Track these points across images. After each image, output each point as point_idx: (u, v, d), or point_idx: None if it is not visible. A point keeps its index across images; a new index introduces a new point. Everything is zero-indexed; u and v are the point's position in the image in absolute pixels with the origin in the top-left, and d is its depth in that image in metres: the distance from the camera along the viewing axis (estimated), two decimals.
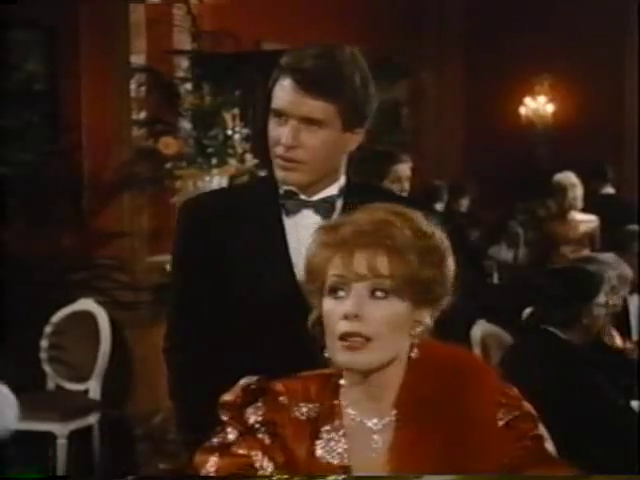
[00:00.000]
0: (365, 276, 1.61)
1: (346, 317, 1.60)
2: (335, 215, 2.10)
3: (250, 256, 2.11)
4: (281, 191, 2.12)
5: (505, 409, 1.66)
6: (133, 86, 5.27)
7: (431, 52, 8.24)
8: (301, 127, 2.02)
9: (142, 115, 5.33)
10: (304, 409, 1.69)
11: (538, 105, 9.79)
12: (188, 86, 5.34)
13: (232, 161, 5.23)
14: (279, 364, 1.83)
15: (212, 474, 1.63)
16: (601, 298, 3.29)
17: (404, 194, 4.73)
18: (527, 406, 1.70)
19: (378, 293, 1.61)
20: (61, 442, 4.81)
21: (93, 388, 5.17)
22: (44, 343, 5.20)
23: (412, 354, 1.67)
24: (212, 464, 1.64)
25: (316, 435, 1.67)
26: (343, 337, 1.61)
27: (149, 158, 5.23)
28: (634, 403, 3.38)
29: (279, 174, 2.09)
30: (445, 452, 1.60)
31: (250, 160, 5.29)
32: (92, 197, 5.33)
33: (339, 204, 2.12)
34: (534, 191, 7.64)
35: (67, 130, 5.20)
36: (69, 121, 5.28)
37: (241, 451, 1.65)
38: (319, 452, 1.66)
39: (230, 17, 5.73)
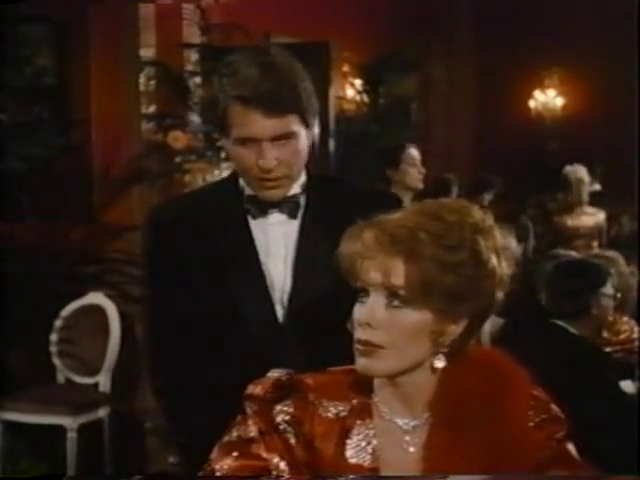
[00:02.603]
0: (381, 285, 1.58)
1: (359, 324, 1.60)
2: (300, 212, 2.14)
3: (219, 261, 2.12)
4: (245, 195, 2.14)
5: (534, 411, 1.65)
6: (142, 80, 5.26)
7: (441, 46, 8.22)
8: (274, 145, 2.03)
9: (151, 109, 5.32)
10: (334, 407, 1.66)
11: (548, 98, 9.77)
12: (197, 80, 5.34)
13: None
14: (253, 363, 1.90)
15: (227, 474, 1.61)
16: (608, 289, 3.31)
17: (421, 177, 4.79)
18: (555, 408, 1.69)
19: (394, 302, 1.58)
20: (71, 435, 4.82)
21: (103, 382, 5.18)
22: (54, 337, 5.22)
23: (439, 364, 1.62)
24: (228, 465, 1.62)
25: (346, 434, 1.64)
26: (358, 342, 1.60)
27: (158, 152, 5.23)
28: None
29: (262, 194, 2.11)
30: (478, 454, 1.59)
31: None
32: (102, 191, 5.32)
33: (303, 201, 2.15)
34: (544, 185, 7.62)
35: (77, 124, 5.20)
36: (79, 115, 5.27)
37: (260, 452, 1.62)
38: (349, 452, 1.64)
39: (239, 10, 5.72)
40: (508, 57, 9.15)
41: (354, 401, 1.67)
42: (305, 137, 2.10)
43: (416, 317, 1.57)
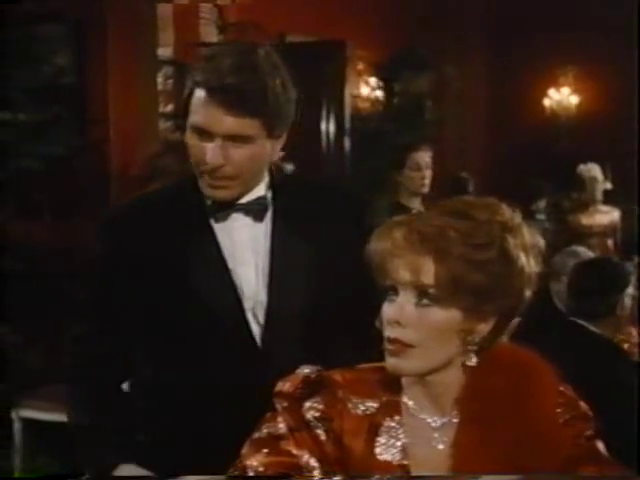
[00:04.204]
0: (410, 283, 1.59)
1: (388, 322, 1.61)
2: (268, 215, 2.06)
3: (182, 267, 2.02)
4: (208, 201, 2.04)
5: (563, 408, 1.66)
6: (160, 79, 5.29)
7: (454, 44, 8.23)
8: (227, 144, 1.93)
9: (169, 108, 5.35)
10: (363, 403, 1.67)
11: (562, 97, 9.75)
12: None
13: None
14: (224, 366, 1.95)
15: (258, 471, 1.62)
16: (631, 289, 3.32)
17: (426, 181, 4.80)
18: (584, 406, 1.69)
19: (424, 301, 1.58)
20: None
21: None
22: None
23: (469, 362, 1.63)
24: (259, 461, 1.62)
25: (375, 431, 1.65)
26: (387, 341, 1.61)
27: (176, 151, 5.23)
28: None
29: (207, 191, 2.01)
30: (507, 451, 1.59)
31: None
32: (119, 190, 5.34)
33: (269, 201, 2.07)
34: (558, 183, 7.62)
35: (94, 123, 5.22)
36: (96, 115, 5.30)
37: (290, 449, 1.63)
38: (378, 449, 1.65)
39: (255, 9, 5.75)
40: (522, 55, 9.15)
41: (383, 398, 1.67)
42: (264, 147, 1.97)
43: (445, 315, 1.58)
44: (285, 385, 1.68)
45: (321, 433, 1.64)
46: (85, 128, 5.29)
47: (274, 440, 1.64)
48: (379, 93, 7.48)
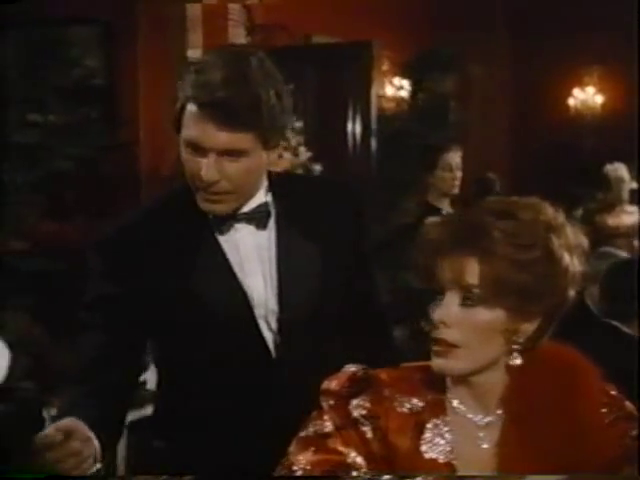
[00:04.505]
0: (454, 284, 1.60)
1: (434, 323, 1.62)
2: (271, 221, 2.02)
3: (192, 282, 1.96)
4: (209, 215, 1.98)
5: (608, 408, 1.66)
6: None
7: (480, 43, 8.22)
8: (221, 159, 1.87)
9: None
10: (408, 402, 1.68)
11: (587, 96, 9.70)
12: None
13: (286, 154, 5.26)
14: (239, 376, 1.93)
15: (305, 469, 1.63)
16: None
17: (457, 182, 4.81)
18: (629, 406, 1.69)
19: (469, 301, 1.60)
20: None
21: (150, 379, 5.22)
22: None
23: (513, 362, 1.64)
24: (306, 460, 1.64)
25: (420, 430, 1.66)
26: (433, 341, 1.63)
27: None
28: None
29: (204, 206, 1.95)
30: (552, 451, 1.60)
31: (304, 153, 5.32)
32: (149, 191, 5.38)
33: (271, 206, 2.03)
34: (583, 183, 7.59)
35: (125, 124, 5.26)
36: (127, 116, 5.33)
37: (337, 447, 1.64)
38: (423, 447, 1.65)
39: (282, 10, 5.77)
40: (547, 55, 9.12)
41: (428, 397, 1.68)
42: (261, 157, 1.93)
43: (490, 316, 1.59)
44: (332, 383, 1.69)
45: (368, 431, 1.65)
46: (115, 129, 5.32)
47: (321, 438, 1.65)
48: (405, 93, 7.49)
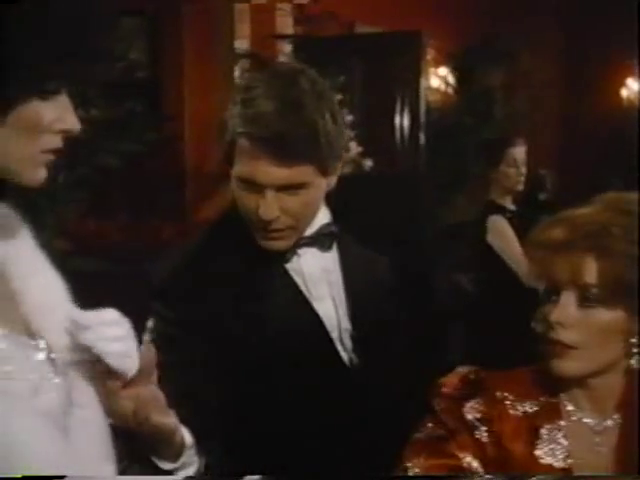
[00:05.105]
0: (571, 283, 1.62)
1: (550, 324, 1.64)
2: (335, 243, 1.97)
3: (264, 313, 1.92)
4: None
5: None
6: (237, 73, 5.32)
7: (530, 34, 8.19)
8: (280, 195, 1.82)
9: None
10: (522, 405, 1.70)
11: None
12: None
13: None
14: (321, 400, 1.89)
15: (419, 472, 1.66)
16: None
17: (521, 179, 4.81)
18: None
19: (587, 301, 1.61)
20: None
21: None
22: (147, 337, 5.28)
23: (633, 365, 1.65)
24: (421, 464, 1.66)
25: (535, 434, 1.68)
26: (549, 343, 1.65)
27: None
28: None
29: (264, 244, 1.91)
30: None
31: (355, 148, 5.33)
32: (195, 188, 5.39)
33: (333, 226, 1.98)
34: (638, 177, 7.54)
35: (170, 119, 5.25)
36: (172, 110, 5.34)
37: (452, 451, 1.66)
38: (538, 452, 1.67)
39: (329, 0, 5.78)
40: (599, 45, 9.08)
41: (541, 399, 1.70)
42: (320, 186, 1.88)
43: (609, 316, 1.61)
44: (444, 386, 1.72)
45: (483, 435, 1.68)
46: (160, 124, 5.31)
47: (435, 442, 1.68)
48: (454, 85, 7.47)
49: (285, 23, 5.48)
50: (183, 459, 1.50)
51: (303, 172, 1.82)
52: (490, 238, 4.67)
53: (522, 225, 4.69)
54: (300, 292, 1.95)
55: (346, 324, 1.98)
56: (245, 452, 1.82)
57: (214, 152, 5.33)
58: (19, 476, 1.05)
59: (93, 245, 5.10)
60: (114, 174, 5.10)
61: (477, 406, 1.70)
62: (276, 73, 1.91)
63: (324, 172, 1.87)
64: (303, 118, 1.79)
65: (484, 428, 1.68)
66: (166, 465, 1.47)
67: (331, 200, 1.98)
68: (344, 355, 1.98)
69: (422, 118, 6.54)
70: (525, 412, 1.70)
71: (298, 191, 1.84)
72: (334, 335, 1.97)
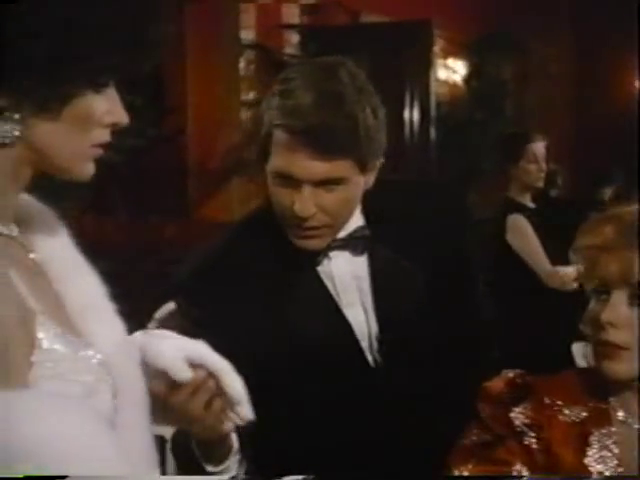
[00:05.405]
0: (622, 282, 1.60)
1: (600, 324, 1.61)
2: (367, 248, 1.93)
3: (291, 318, 1.90)
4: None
5: None
6: (242, 64, 5.28)
7: (543, 25, 8.17)
8: (317, 190, 1.80)
9: (251, 95, 5.33)
10: (571, 410, 1.67)
11: None
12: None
13: None
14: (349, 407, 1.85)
15: None
16: None
17: (542, 175, 4.76)
18: None
19: (638, 300, 1.60)
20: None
21: None
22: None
23: None
24: (469, 470, 1.64)
25: (584, 441, 1.65)
26: (598, 344, 1.63)
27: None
28: None
29: (297, 242, 1.88)
30: None
31: None
32: (198, 184, 5.36)
33: (367, 230, 1.95)
34: None
35: (171, 113, 5.23)
36: (174, 103, 5.31)
37: (501, 457, 1.64)
38: (588, 459, 1.64)
39: None
40: (612, 38, 9.06)
41: (590, 404, 1.68)
42: (358, 184, 1.85)
43: None
44: (490, 390, 1.69)
45: (532, 441, 1.65)
46: (161, 118, 5.28)
47: (483, 448, 1.66)
48: (466, 77, 7.42)
49: (291, 13, 5.43)
50: (227, 463, 1.57)
51: (341, 167, 1.80)
52: (510, 237, 4.62)
53: (541, 224, 4.65)
54: (330, 297, 1.93)
55: (376, 333, 1.95)
56: (275, 459, 1.80)
57: (218, 147, 5.33)
58: (21, 476, 1.05)
59: (93, 243, 5.04)
60: (114, 169, 5.05)
61: (525, 411, 1.67)
62: (316, 65, 1.90)
63: (363, 168, 1.84)
64: (343, 110, 1.77)
65: (533, 434, 1.65)
66: (210, 467, 1.56)
67: (366, 202, 1.95)
68: (373, 365, 1.95)
69: (432, 112, 6.49)
70: (574, 418, 1.67)
71: (336, 187, 1.82)
72: (364, 344, 1.94)
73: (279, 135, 1.79)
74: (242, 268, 1.92)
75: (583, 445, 1.65)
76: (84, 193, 4.86)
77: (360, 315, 1.95)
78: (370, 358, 1.95)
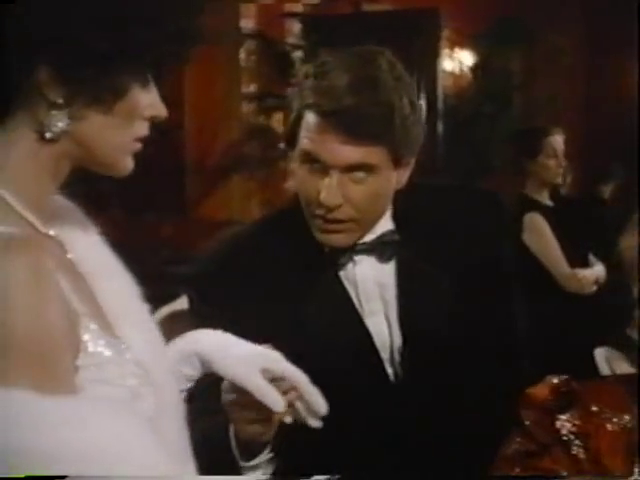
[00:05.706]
0: None
1: None
2: (395, 255, 1.88)
3: (309, 323, 1.85)
4: (326, 249, 1.87)
5: None
6: (242, 55, 5.21)
7: (552, 16, 8.16)
8: (346, 179, 1.77)
9: (252, 88, 5.27)
10: (619, 418, 1.63)
11: None
12: (300, 53, 5.28)
13: None
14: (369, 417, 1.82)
15: None
16: None
17: (561, 171, 4.69)
18: None
19: None
20: None
21: None
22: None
23: None
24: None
25: (633, 451, 1.60)
26: None
27: (260, 137, 5.18)
28: None
29: (321, 237, 1.84)
30: None
31: None
32: (196, 182, 5.31)
33: (397, 235, 1.89)
34: None
35: (168, 107, 5.13)
36: (169, 96, 5.20)
37: (546, 466, 1.60)
38: (638, 469, 1.60)
39: None
40: (624, 32, 9.01)
41: (635, 412, 1.62)
42: (389, 179, 1.80)
43: None
44: (534, 397, 1.64)
45: (579, 451, 1.61)
46: None
47: (527, 456, 1.62)
48: (473, 69, 7.35)
49: (293, 1, 5.36)
50: (260, 458, 1.63)
51: (373, 153, 1.76)
52: (527, 237, 4.52)
53: (558, 223, 4.55)
54: (352, 304, 1.89)
55: (399, 345, 1.90)
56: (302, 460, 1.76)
57: (217, 143, 5.26)
58: (22, 476, 1.05)
59: None
60: None
61: (572, 419, 1.62)
62: (354, 52, 1.84)
63: (395, 161, 1.79)
64: (379, 95, 1.73)
65: (580, 443, 1.60)
66: (242, 462, 1.61)
67: (397, 206, 1.90)
68: (393, 379, 1.91)
69: (440, 105, 6.43)
70: (622, 426, 1.62)
71: (365, 178, 1.78)
72: (384, 356, 1.90)
73: (309, 117, 1.76)
74: (262, 270, 1.87)
75: (632, 456, 1.60)
76: (76, 190, 4.79)
77: (383, 325, 1.90)
78: (390, 371, 1.90)
